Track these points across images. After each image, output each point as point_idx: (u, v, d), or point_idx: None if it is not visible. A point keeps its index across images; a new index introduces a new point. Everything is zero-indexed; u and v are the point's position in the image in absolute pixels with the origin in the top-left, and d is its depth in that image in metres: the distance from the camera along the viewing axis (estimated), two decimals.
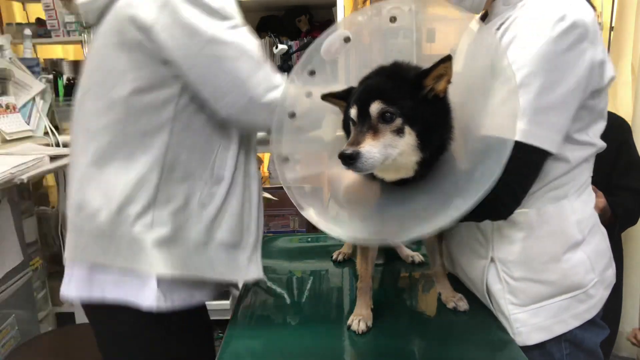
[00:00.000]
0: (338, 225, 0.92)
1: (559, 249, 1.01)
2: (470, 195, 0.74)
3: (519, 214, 0.99)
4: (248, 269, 1.16)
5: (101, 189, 1.06)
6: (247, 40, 1.03)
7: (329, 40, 0.91)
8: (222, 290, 1.26)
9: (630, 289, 2.39)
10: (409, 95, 0.82)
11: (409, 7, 0.91)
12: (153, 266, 1.04)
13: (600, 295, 1.04)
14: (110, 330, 1.18)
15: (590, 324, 1.03)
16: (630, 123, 2.07)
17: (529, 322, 1.02)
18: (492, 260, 1.06)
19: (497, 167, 0.73)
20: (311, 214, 0.91)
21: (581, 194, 1.04)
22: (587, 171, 1.06)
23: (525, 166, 0.89)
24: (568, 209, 1.01)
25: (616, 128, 1.92)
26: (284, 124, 0.95)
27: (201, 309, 1.23)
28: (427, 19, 0.94)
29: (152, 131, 1.05)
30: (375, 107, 0.81)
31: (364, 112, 0.82)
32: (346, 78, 0.97)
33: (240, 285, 1.34)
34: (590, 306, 1.02)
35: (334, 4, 2.24)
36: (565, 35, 0.85)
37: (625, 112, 2.38)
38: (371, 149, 0.79)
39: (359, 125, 0.82)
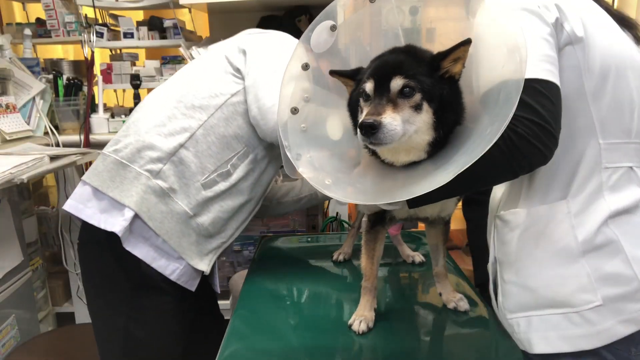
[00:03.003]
0: (335, 187, 0.88)
1: (542, 253, 0.91)
2: (487, 138, 0.70)
3: (510, 213, 0.97)
4: (201, 260, 1.30)
5: (138, 132, 1.27)
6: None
7: (316, 33, 0.90)
8: (184, 282, 1.29)
9: None
10: (427, 73, 0.81)
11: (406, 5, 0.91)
12: (137, 204, 1.21)
13: (608, 327, 0.86)
14: (84, 249, 1.34)
15: (591, 355, 0.87)
16: None
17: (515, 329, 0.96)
18: (495, 259, 1.05)
19: (510, 105, 0.70)
20: (304, 167, 0.89)
21: (597, 194, 0.89)
22: (592, 161, 0.89)
23: (546, 101, 0.81)
24: (563, 211, 0.91)
25: None
26: (288, 124, 0.94)
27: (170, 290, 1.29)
28: (426, 19, 0.94)
29: (198, 107, 1.27)
30: (396, 81, 0.80)
31: (382, 86, 0.81)
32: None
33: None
34: (590, 334, 0.87)
35: None
36: None
37: None
38: (392, 120, 0.77)
39: (377, 99, 0.80)
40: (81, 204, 1.26)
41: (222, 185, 1.28)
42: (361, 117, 0.81)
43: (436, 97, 0.81)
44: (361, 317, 1.06)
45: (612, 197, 0.89)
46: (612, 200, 0.89)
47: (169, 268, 1.25)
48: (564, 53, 0.88)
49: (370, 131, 0.75)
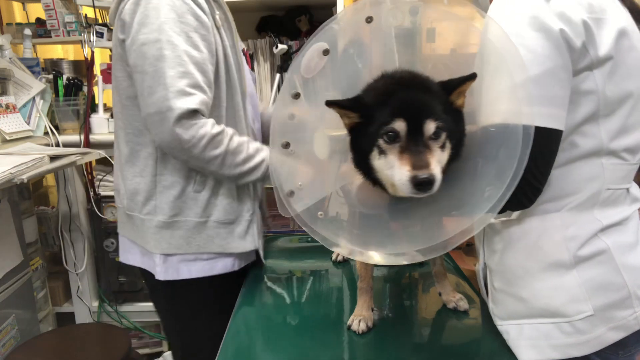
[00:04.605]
0: (375, 250, 0.87)
1: (534, 265, 0.92)
2: (500, 182, 0.71)
3: (500, 222, 0.96)
4: (245, 240, 1.32)
5: (122, 175, 1.30)
6: (183, 49, 1.12)
7: (307, 57, 0.86)
8: (247, 260, 1.37)
9: None
10: (445, 110, 0.81)
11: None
12: (156, 247, 1.26)
13: (598, 334, 0.87)
14: (150, 287, 1.41)
15: None
16: None
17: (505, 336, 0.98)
18: (485, 265, 1.05)
19: (525, 150, 0.72)
20: (343, 248, 0.88)
21: (589, 209, 0.89)
22: (595, 182, 0.88)
23: (540, 153, 0.80)
24: (556, 224, 0.90)
25: None
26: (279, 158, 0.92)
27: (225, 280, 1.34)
28: (427, 18, 0.93)
29: (144, 129, 1.22)
30: (430, 124, 0.78)
31: (414, 129, 0.78)
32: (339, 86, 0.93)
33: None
34: (580, 342, 0.88)
35: (334, 4, 2.23)
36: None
37: None
38: (439, 169, 0.76)
39: (412, 144, 0.78)
40: (127, 253, 1.38)
41: (210, 180, 1.25)
42: (394, 163, 0.78)
43: (455, 133, 0.82)
44: (360, 317, 1.06)
45: (604, 213, 0.90)
46: (603, 216, 0.90)
47: (227, 266, 1.31)
48: (580, 77, 0.84)
49: (427, 187, 0.73)
